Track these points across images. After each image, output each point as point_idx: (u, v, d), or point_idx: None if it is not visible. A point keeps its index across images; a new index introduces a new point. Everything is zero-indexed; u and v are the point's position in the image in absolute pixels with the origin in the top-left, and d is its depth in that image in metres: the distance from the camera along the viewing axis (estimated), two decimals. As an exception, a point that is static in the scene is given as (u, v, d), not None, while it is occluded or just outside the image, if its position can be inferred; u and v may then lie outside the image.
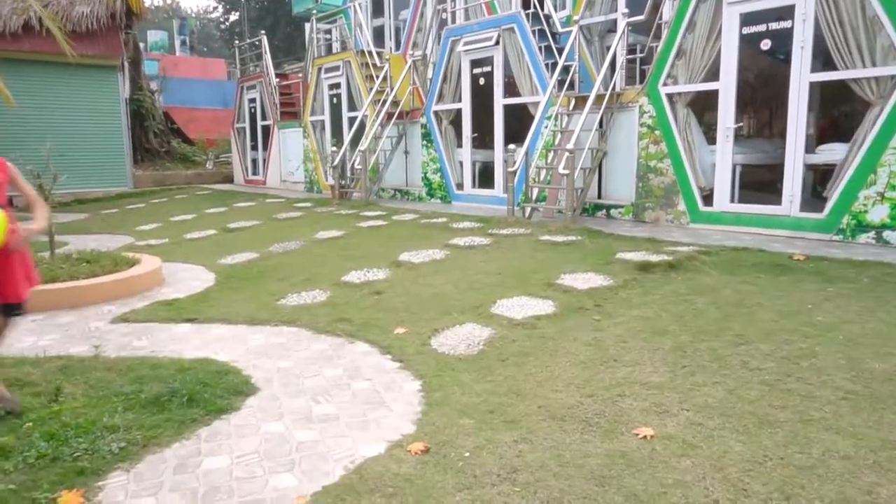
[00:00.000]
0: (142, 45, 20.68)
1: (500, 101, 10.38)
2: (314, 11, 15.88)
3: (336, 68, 13.78)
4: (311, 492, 2.46)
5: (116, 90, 15.46)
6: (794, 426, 2.79)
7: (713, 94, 7.51)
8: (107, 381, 3.58)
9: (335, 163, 12.32)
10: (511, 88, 10.33)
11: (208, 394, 3.34)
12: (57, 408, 3.17)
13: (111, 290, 5.68)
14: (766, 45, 7.04)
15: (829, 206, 6.63)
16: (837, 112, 9.41)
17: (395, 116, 12.25)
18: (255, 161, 17.80)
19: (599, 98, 8.50)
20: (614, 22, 9.96)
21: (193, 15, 51.21)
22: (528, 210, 8.83)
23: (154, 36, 28.46)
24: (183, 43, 30.36)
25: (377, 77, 12.58)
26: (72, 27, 14.22)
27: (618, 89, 8.66)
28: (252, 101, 17.36)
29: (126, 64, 15.94)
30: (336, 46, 15.66)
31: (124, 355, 4.10)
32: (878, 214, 6.29)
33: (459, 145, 11.31)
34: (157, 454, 2.79)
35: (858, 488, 2.31)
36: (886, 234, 6.26)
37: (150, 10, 19.66)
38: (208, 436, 2.96)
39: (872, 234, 6.35)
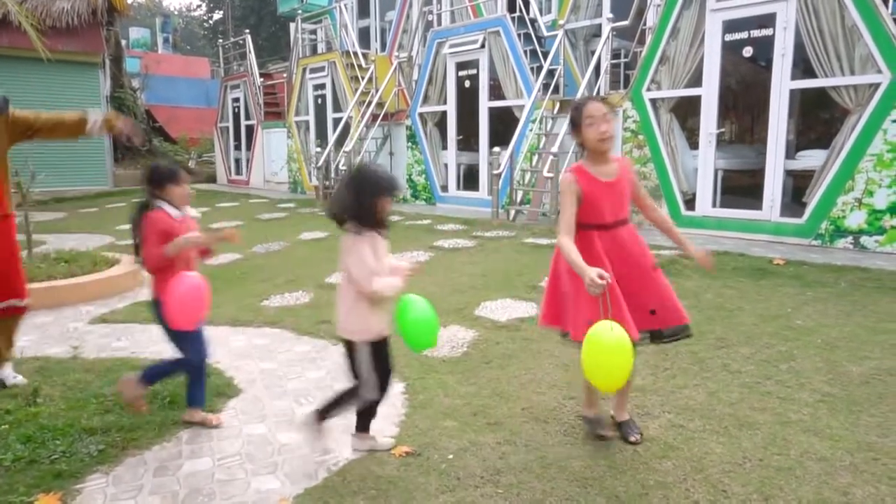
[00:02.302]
0: (124, 42, 20.43)
1: (485, 104, 10.41)
2: (299, 11, 15.81)
3: (321, 69, 13.73)
4: (294, 494, 2.44)
5: (97, 87, 15.25)
6: (772, 428, 2.83)
7: (696, 100, 7.59)
8: (85, 382, 3.53)
9: (319, 164, 12.27)
10: (496, 91, 10.37)
11: (190, 395, 3.30)
12: (34, 410, 3.11)
13: (90, 290, 5.60)
14: (748, 52, 7.14)
15: (808, 211, 6.74)
16: (817, 119, 9.56)
17: (380, 118, 12.24)
18: (238, 161, 17.67)
19: (584, 102, 8.55)
20: (599, 27, 10.06)
21: (177, 12, 50.73)
22: (512, 212, 8.86)
23: (136, 33, 28.16)
24: (166, 40, 30.04)
25: (362, 78, 12.57)
26: (52, 22, 14.01)
27: (602, 94, 8.73)
28: (236, 100, 17.23)
29: (107, 61, 15.74)
30: (321, 47, 15.60)
31: (103, 356, 4.04)
32: (855, 220, 6.40)
33: (444, 147, 11.33)
34: (137, 457, 2.75)
35: (835, 489, 2.35)
36: (864, 239, 6.37)
37: (133, 6, 19.42)
38: (189, 438, 2.92)
39: (850, 239, 6.46)
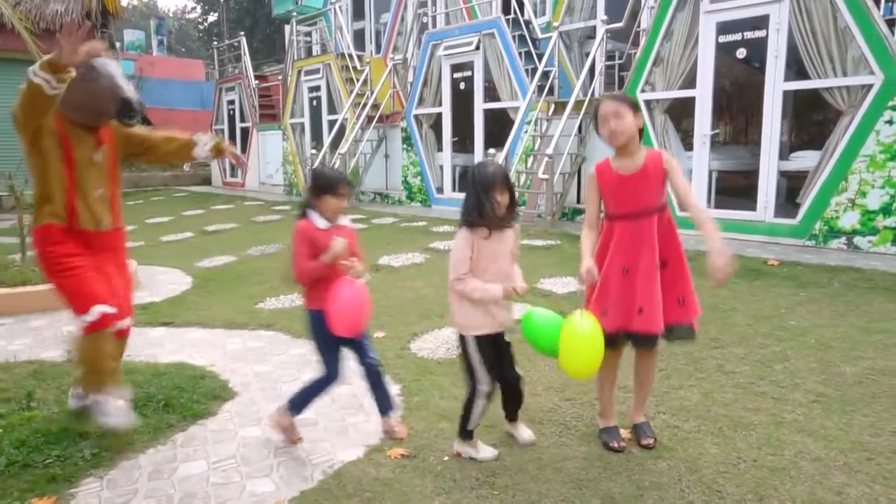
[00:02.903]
0: (118, 44, 20.36)
1: (480, 106, 10.42)
2: (294, 13, 15.81)
3: (316, 71, 13.72)
4: (289, 497, 2.44)
5: (91, 90, 15.19)
6: (767, 428, 2.84)
7: (690, 102, 7.62)
8: (80, 386, 3.51)
9: (315, 166, 12.27)
10: (491, 93, 10.38)
11: (185, 399, 3.30)
12: (28, 414, 3.10)
13: (85, 293, 5.56)
14: (741, 53, 7.17)
15: (802, 212, 6.77)
16: (810, 120, 9.61)
17: (375, 120, 12.24)
18: (233, 163, 17.62)
19: (579, 104, 8.58)
20: (593, 28, 10.07)
21: (171, 15, 50.65)
22: (507, 214, 8.85)
23: (131, 35, 28.07)
24: (160, 43, 29.99)
25: (357, 80, 12.57)
26: (45, 25, 13.96)
27: (597, 95, 8.76)
28: (231, 102, 17.21)
29: (101, 63, 15.68)
30: (316, 49, 15.60)
31: (98, 360, 4.02)
32: (849, 221, 6.43)
33: (440, 149, 11.33)
34: (132, 460, 2.74)
35: (829, 489, 2.36)
36: (857, 239, 6.40)
37: (127, 9, 19.39)
38: (184, 441, 2.92)
39: (843, 239, 6.48)
